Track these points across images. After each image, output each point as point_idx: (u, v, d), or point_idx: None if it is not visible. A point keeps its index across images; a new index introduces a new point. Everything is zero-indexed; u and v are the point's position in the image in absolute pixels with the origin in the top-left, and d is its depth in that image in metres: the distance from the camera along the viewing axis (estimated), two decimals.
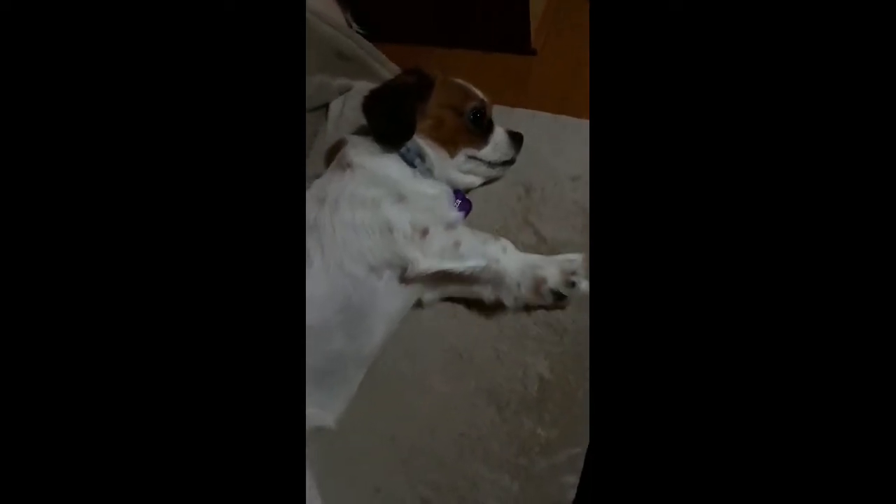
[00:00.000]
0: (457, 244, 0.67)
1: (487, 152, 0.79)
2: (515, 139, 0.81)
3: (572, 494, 0.65)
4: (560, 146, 0.83)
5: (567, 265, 0.67)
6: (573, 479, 0.65)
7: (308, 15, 0.89)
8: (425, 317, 0.73)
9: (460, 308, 0.73)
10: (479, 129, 0.79)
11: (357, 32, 1.08)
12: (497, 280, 0.68)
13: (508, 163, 0.81)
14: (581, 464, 0.67)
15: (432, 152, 0.76)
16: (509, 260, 0.68)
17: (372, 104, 0.77)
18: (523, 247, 0.74)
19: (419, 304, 0.74)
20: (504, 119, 0.89)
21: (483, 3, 1.54)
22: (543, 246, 0.74)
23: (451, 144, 0.77)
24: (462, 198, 0.79)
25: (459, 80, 0.82)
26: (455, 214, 0.75)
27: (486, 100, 0.82)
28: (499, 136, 0.80)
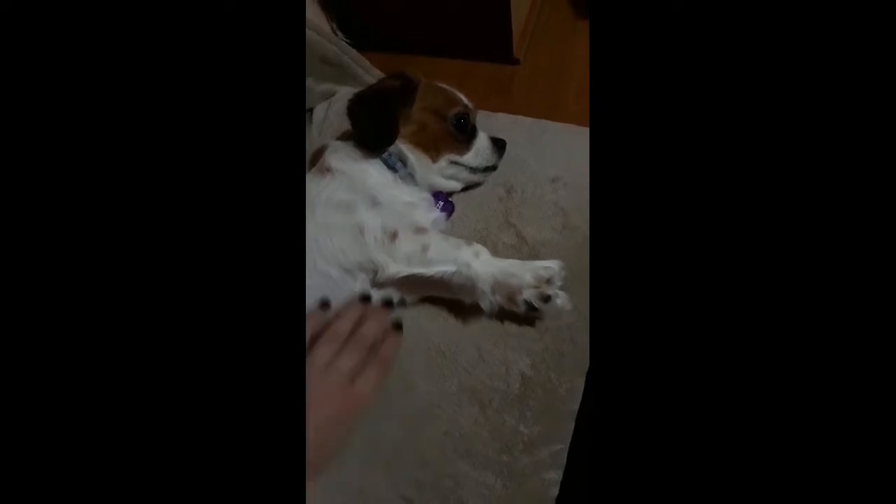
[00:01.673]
0: (425, 248, 0.67)
1: (470, 158, 0.80)
2: (498, 145, 0.82)
3: (555, 491, 0.66)
4: (540, 149, 0.85)
5: (543, 272, 0.66)
6: (556, 476, 0.66)
7: (310, 33, 0.90)
8: (407, 316, 0.73)
9: (442, 307, 0.73)
10: (463, 134, 0.80)
11: (342, 41, 1.09)
12: (470, 285, 0.67)
13: (491, 169, 0.82)
14: (563, 460, 0.67)
15: (414, 157, 0.77)
16: (481, 265, 0.67)
17: (356, 108, 0.78)
18: (505, 247, 0.75)
19: (402, 303, 0.74)
20: (486, 123, 0.90)
21: (466, 13, 1.56)
22: (524, 246, 0.75)
23: (433, 149, 0.78)
24: (444, 199, 0.79)
25: (443, 85, 0.83)
26: (434, 216, 0.76)
27: (470, 105, 0.83)
28: (482, 141, 0.81)
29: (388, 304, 0.67)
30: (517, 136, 0.86)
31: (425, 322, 0.73)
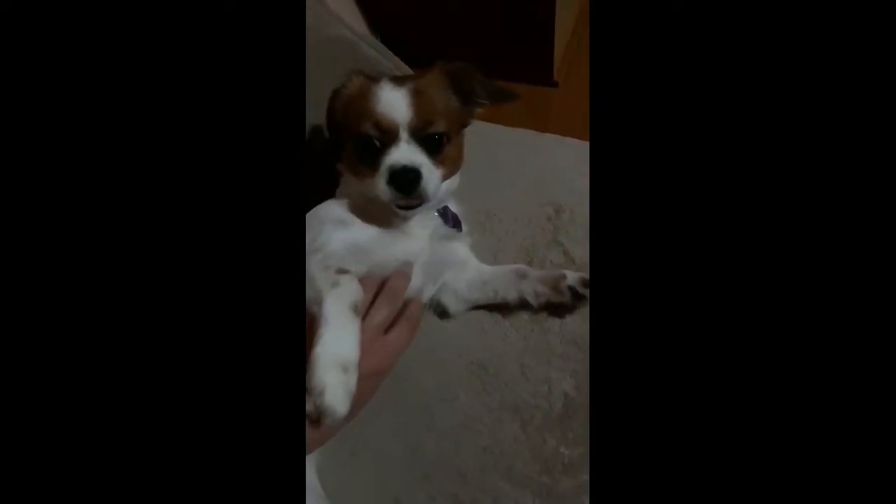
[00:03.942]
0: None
1: (372, 187, 0.65)
2: (400, 179, 0.62)
3: None
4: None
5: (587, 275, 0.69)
6: None
7: (350, 35, 0.92)
8: (451, 330, 0.74)
9: (487, 322, 0.74)
10: (366, 157, 0.65)
11: (381, 44, 1.06)
12: (521, 272, 0.70)
13: (404, 207, 0.65)
14: None
15: (346, 177, 0.73)
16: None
17: None
18: (552, 265, 0.75)
19: (446, 315, 0.74)
20: (532, 144, 0.91)
21: (510, 37, 1.59)
22: (572, 265, 0.75)
23: (355, 169, 0.70)
24: (447, 213, 0.74)
25: (384, 84, 0.66)
26: (440, 230, 0.72)
27: (391, 119, 0.63)
28: (381, 174, 0.63)
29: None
30: (566, 156, 0.87)
31: (468, 337, 0.73)
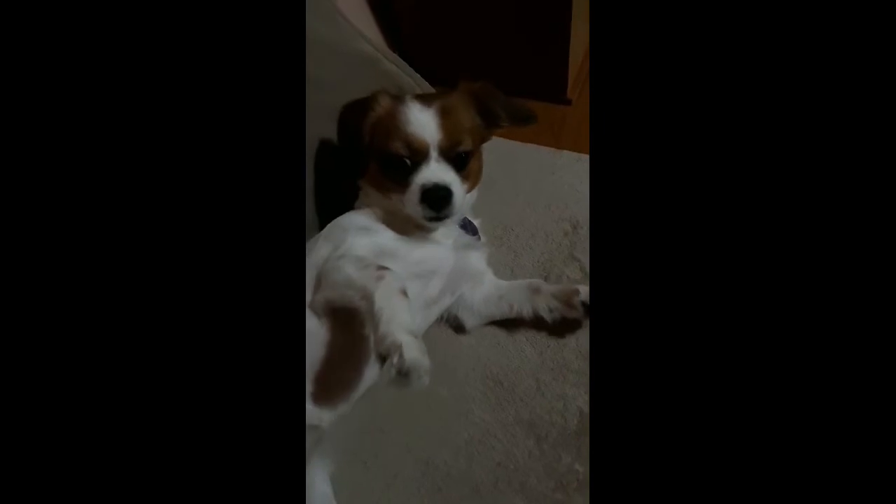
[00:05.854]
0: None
1: (403, 203, 0.68)
2: (432, 195, 0.65)
3: None
4: None
5: None
6: None
7: (373, 51, 0.94)
8: (467, 344, 0.74)
9: (503, 337, 0.74)
10: (394, 175, 0.68)
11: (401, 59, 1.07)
12: (535, 287, 0.71)
13: (433, 219, 0.67)
14: None
15: (366, 190, 0.75)
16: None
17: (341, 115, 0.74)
18: (569, 280, 0.76)
19: (462, 329, 0.74)
20: (550, 161, 0.92)
21: (525, 55, 1.61)
22: (588, 281, 0.75)
23: (380, 185, 0.72)
24: (466, 222, 0.76)
25: (414, 105, 0.68)
26: (461, 240, 0.74)
27: (422, 141, 0.66)
28: (412, 192, 0.66)
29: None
30: (584, 173, 0.87)
31: (484, 351, 0.73)
